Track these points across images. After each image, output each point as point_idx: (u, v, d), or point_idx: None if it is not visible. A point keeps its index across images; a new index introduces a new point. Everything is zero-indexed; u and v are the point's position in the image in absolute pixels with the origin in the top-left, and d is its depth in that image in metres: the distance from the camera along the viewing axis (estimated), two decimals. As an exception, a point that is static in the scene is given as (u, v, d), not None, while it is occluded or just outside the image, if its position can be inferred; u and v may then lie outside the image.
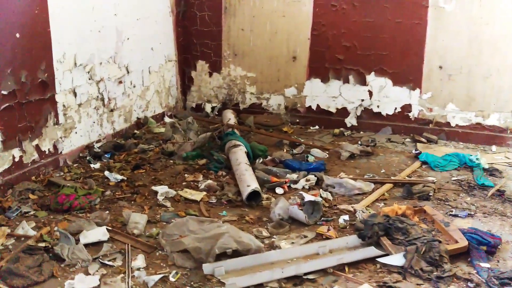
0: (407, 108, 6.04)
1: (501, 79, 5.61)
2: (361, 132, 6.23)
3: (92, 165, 4.95)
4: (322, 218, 4.04)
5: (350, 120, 6.28)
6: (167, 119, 6.48)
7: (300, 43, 6.23)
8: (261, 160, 5.19)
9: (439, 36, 5.70)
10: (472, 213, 4.19)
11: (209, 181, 4.61)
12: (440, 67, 5.79)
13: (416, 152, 5.53)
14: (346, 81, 6.17)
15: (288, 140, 5.81)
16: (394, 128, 6.13)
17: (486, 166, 5.12)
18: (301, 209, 4.01)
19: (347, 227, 3.94)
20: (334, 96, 6.27)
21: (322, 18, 6.05)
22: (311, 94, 6.36)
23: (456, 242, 3.55)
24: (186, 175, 4.85)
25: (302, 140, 5.87)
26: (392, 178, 4.84)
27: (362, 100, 6.18)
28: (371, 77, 6.07)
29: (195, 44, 6.67)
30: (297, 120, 6.49)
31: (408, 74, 5.93)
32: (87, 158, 5.09)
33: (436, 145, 5.79)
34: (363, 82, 6.12)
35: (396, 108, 6.09)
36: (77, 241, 3.52)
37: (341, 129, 6.24)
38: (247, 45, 6.46)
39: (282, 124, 6.42)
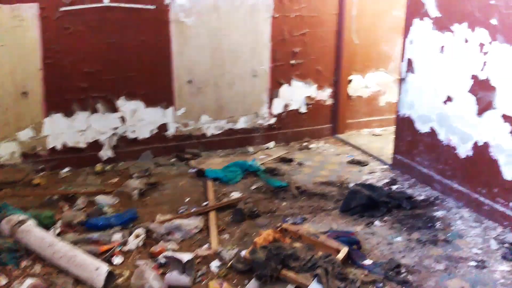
0: (163, 127, 5.79)
1: (244, 85, 6.00)
2: (122, 163, 5.65)
3: None
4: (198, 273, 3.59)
5: (106, 153, 5.60)
6: None
7: (30, 75, 5.11)
8: (58, 230, 4.13)
9: (184, 51, 5.63)
10: (303, 216, 4.45)
11: (29, 281, 3.41)
12: (190, 82, 5.75)
13: (195, 170, 5.42)
14: (95, 110, 5.44)
15: (58, 194, 4.78)
16: (154, 150, 5.79)
17: (264, 168, 5.47)
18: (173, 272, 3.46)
19: (225, 274, 3.62)
20: (82, 130, 5.45)
21: (55, 43, 5.10)
22: (54, 132, 5.34)
23: (338, 250, 3.74)
24: (-25, 283, 3.45)
25: (73, 190, 4.93)
26: (210, 205, 4.62)
27: (116, 128, 5.59)
28: (121, 102, 5.53)
29: None
30: (41, 167, 5.37)
31: (160, 93, 5.67)
32: None
33: (202, 157, 5.80)
34: (114, 109, 5.52)
35: (152, 130, 5.75)
36: None
37: (101, 164, 5.51)
38: (-48, 87, 4.90)
39: (27, 176, 5.20)
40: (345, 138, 6.49)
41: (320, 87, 6.40)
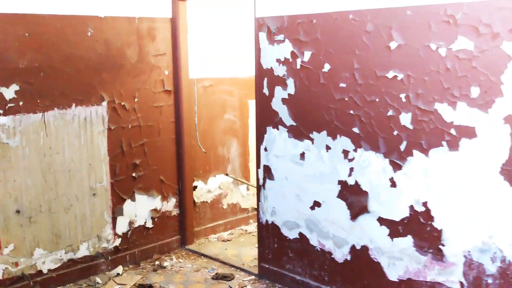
0: (-15, 273, 4.64)
1: (82, 206, 5.21)
2: None
3: None
4: None
5: None
6: None
7: None
8: None
9: (9, 177, 4.67)
10: None
11: None
12: (18, 212, 4.77)
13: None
14: None
15: None
16: (-26, 305, 4.58)
17: (123, 304, 4.72)
18: None
19: None
20: None
21: None
22: None
23: None
24: None
25: None
26: None
27: None
28: None
29: None
30: None
31: (-21, 231, 4.57)
32: None
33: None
34: None
35: (-29, 279, 4.57)
36: None
37: None
38: None
39: None
40: (197, 249, 6.05)
41: (164, 198, 5.94)
